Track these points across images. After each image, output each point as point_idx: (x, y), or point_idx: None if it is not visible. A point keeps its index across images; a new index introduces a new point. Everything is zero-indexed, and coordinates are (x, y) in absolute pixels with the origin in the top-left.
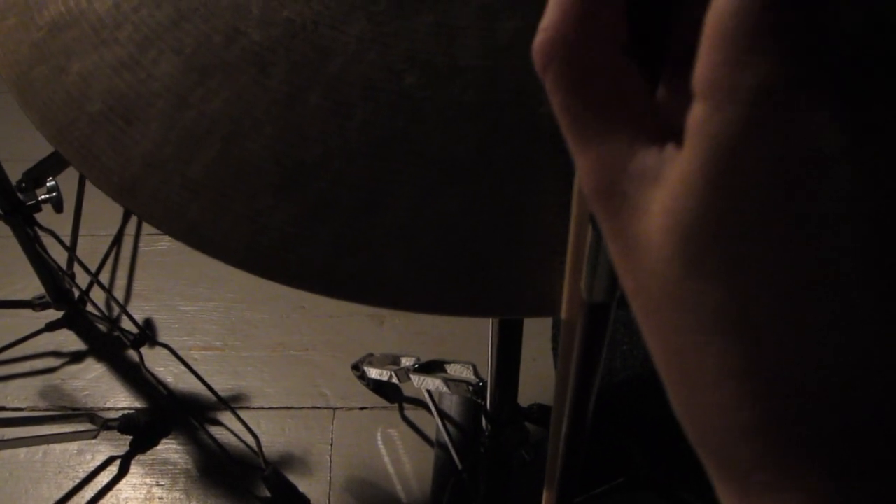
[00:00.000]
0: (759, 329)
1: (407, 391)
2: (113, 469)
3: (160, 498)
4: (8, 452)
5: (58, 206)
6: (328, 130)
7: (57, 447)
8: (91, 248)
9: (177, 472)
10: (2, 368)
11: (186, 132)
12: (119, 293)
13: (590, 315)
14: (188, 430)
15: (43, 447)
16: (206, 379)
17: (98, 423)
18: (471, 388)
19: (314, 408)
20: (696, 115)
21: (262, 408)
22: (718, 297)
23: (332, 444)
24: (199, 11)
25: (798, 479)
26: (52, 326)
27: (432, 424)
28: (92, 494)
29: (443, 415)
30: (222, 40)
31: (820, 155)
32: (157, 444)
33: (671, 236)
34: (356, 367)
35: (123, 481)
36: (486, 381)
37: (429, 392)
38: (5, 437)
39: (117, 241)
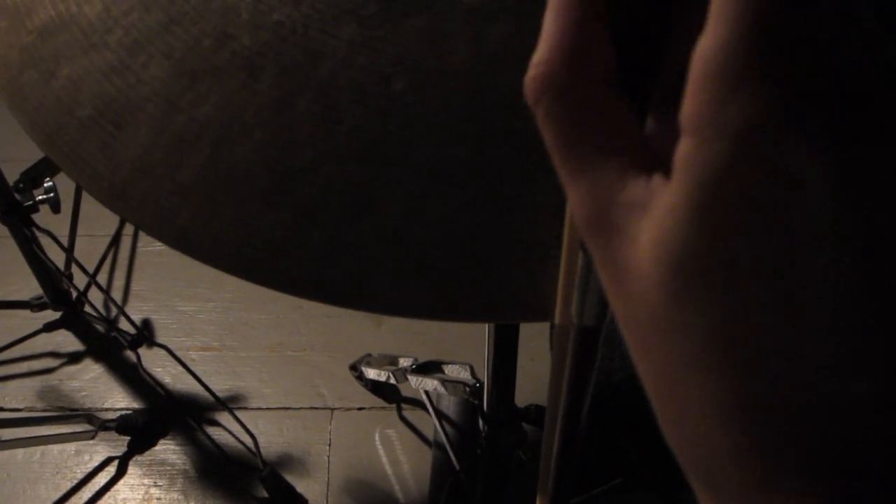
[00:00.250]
0: (745, 357)
1: (405, 391)
2: (111, 470)
3: (158, 498)
4: (6, 453)
5: (55, 206)
6: (318, 135)
7: (55, 448)
8: (89, 249)
9: (175, 472)
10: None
11: (176, 137)
12: (117, 294)
13: (579, 338)
14: (186, 430)
15: (41, 448)
16: (204, 379)
17: (96, 423)
18: (468, 388)
19: (312, 408)
20: (684, 149)
21: (260, 408)
22: (705, 326)
23: (330, 445)
24: (189, 15)
25: (785, 502)
26: (49, 327)
27: (430, 425)
28: (90, 495)
29: (440, 415)
30: (212, 44)
31: (802, 191)
32: (154, 444)
33: (659, 266)
34: (354, 368)
35: (121, 482)
36: (483, 382)
37: (426, 393)
38: (3, 438)
39: (115, 241)
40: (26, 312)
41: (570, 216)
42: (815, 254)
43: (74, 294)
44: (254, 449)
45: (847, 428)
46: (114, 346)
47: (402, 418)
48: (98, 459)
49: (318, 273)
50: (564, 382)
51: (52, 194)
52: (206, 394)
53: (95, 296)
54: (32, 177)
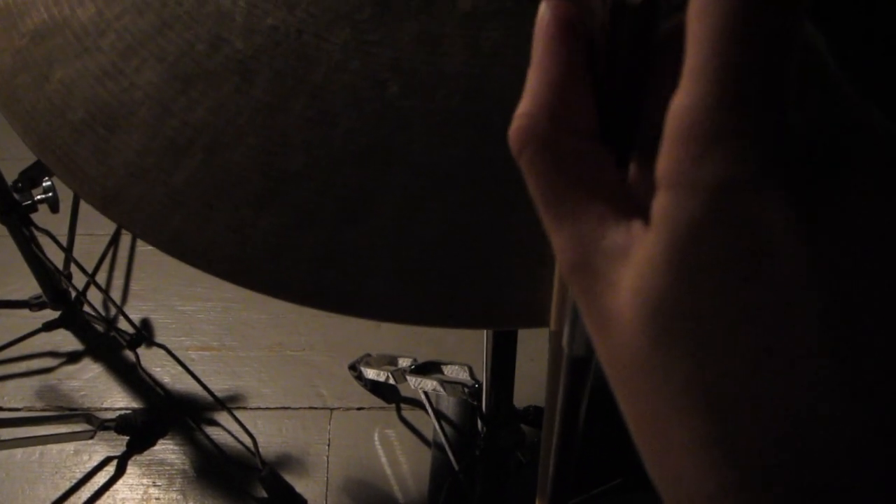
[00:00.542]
0: (722, 401)
1: (404, 391)
2: (110, 469)
3: (157, 498)
4: (4, 453)
5: (54, 206)
6: (312, 139)
7: (54, 447)
8: (88, 248)
9: (173, 472)
10: None
11: (169, 141)
12: (116, 293)
13: (571, 367)
14: (185, 430)
15: (40, 447)
16: (203, 379)
17: (95, 423)
18: (466, 389)
19: (311, 408)
20: (660, 203)
21: (259, 408)
22: (684, 370)
23: (329, 445)
24: (182, 19)
25: None
26: (48, 326)
27: (429, 425)
28: (89, 495)
29: (440, 415)
30: (205, 48)
31: (773, 245)
32: (153, 444)
33: (639, 312)
34: (353, 368)
35: (120, 482)
36: (482, 384)
37: (425, 393)
38: (2, 438)
39: (114, 240)
40: (25, 312)
41: None
42: (785, 303)
43: (73, 293)
44: (253, 449)
45: (825, 468)
46: (113, 345)
47: (402, 418)
48: (97, 459)
49: (313, 278)
50: (559, 407)
51: (50, 194)
52: (205, 393)
53: (94, 295)
54: (31, 176)
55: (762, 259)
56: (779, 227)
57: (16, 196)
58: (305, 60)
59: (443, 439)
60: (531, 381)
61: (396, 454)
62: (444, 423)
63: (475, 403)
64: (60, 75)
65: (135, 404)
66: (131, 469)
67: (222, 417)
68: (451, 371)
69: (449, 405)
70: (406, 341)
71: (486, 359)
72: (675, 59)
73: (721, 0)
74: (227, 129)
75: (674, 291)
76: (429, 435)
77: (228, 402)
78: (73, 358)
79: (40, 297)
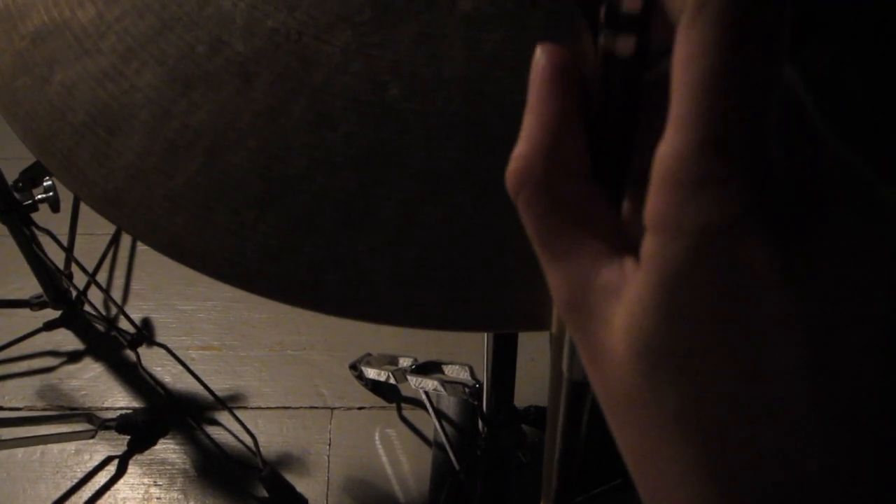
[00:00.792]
0: (712, 433)
1: (405, 391)
2: (111, 469)
3: (158, 498)
4: (5, 452)
5: (55, 205)
6: (312, 142)
7: (55, 447)
8: (88, 248)
9: (174, 471)
10: None
11: (170, 144)
12: (117, 293)
13: (571, 390)
14: (186, 429)
15: (41, 447)
16: (204, 379)
17: (96, 422)
18: (467, 389)
19: (312, 407)
20: (648, 245)
21: (260, 407)
22: (674, 405)
23: (330, 444)
24: (183, 21)
25: None
26: (49, 326)
27: (430, 424)
28: (90, 494)
29: (440, 415)
30: (206, 51)
31: (755, 286)
32: (154, 443)
33: (630, 349)
34: (354, 367)
35: (121, 481)
36: (483, 384)
37: (426, 393)
38: (3, 438)
39: (115, 240)
40: (26, 311)
41: None
42: (769, 341)
43: (74, 293)
44: (254, 448)
45: (811, 500)
46: (113, 345)
47: (402, 418)
48: (98, 459)
49: (313, 281)
50: (559, 428)
51: (51, 193)
52: (206, 393)
53: (95, 295)
54: (31, 176)
55: (746, 300)
56: (761, 268)
57: (16, 195)
58: (305, 63)
59: (444, 439)
60: (532, 381)
61: (397, 454)
62: (444, 423)
63: (476, 403)
64: (61, 77)
65: (136, 404)
66: (132, 468)
67: (223, 417)
68: (451, 371)
69: (450, 405)
70: (407, 341)
71: (486, 359)
72: (663, 102)
73: (703, 53)
74: (228, 131)
75: (662, 330)
76: (429, 434)
77: (229, 402)
78: (73, 357)
79: (41, 296)
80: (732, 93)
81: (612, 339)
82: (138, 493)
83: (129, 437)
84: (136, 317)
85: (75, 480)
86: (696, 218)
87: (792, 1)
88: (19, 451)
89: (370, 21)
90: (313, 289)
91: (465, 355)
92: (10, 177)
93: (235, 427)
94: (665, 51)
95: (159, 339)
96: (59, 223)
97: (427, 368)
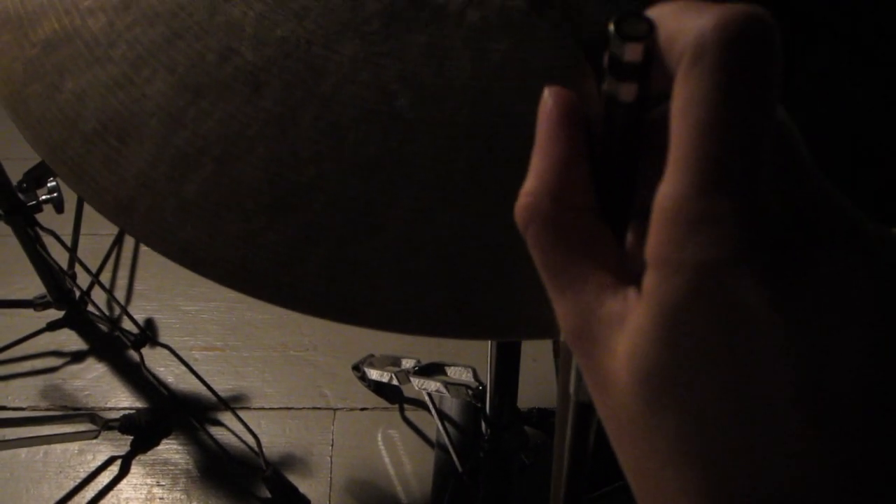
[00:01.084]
0: (710, 456)
1: (408, 392)
2: (114, 469)
3: (161, 498)
4: (9, 452)
5: (59, 206)
6: (321, 151)
7: (58, 447)
8: (92, 248)
9: (177, 472)
10: (3, 368)
11: (180, 152)
12: (120, 293)
13: (577, 411)
14: (189, 430)
15: (44, 447)
16: (207, 379)
17: (99, 423)
18: (470, 391)
19: (315, 408)
20: (649, 280)
21: (263, 408)
22: (674, 429)
23: (332, 445)
24: (193, 30)
25: None
26: (53, 326)
27: (433, 425)
28: (93, 494)
29: (443, 416)
30: (216, 59)
31: (751, 319)
32: (157, 444)
33: (632, 377)
34: (357, 368)
35: (124, 481)
36: (486, 385)
37: (429, 394)
38: (6, 438)
39: (118, 240)
40: (29, 311)
41: None
42: (763, 371)
43: (77, 293)
44: (256, 449)
45: None
46: (117, 345)
47: (405, 419)
48: (101, 459)
49: (322, 289)
50: (567, 443)
51: (55, 194)
52: (209, 393)
53: (98, 295)
54: (36, 176)
55: (741, 332)
56: (756, 302)
57: (20, 196)
58: (315, 72)
59: (446, 440)
60: (535, 383)
61: (400, 455)
62: (447, 425)
63: (479, 405)
64: (72, 85)
65: (139, 404)
66: (135, 469)
67: (226, 417)
68: (454, 372)
69: (452, 406)
70: (410, 342)
71: (489, 360)
72: (662, 141)
73: (699, 102)
74: (237, 139)
75: (663, 359)
76: (432, 436)
77: (232, 402)
78: (77, 357)
79: (44, 296)
80: (727, 138)
81: (615, 365)
82: (141, 494)
83: (132, 437)
84: (140, 317)
85: (78, 480)
86: (693, 255)
87: (782, 47)
88: (23, 451)
89: (378, 31)
90: (322, 296)
91: (469, 357)
92: (15, 177)
93: (238, 427)
94: (664, 95)
95: (162, 339)
96: (62, 224)
97: (430, 370)
